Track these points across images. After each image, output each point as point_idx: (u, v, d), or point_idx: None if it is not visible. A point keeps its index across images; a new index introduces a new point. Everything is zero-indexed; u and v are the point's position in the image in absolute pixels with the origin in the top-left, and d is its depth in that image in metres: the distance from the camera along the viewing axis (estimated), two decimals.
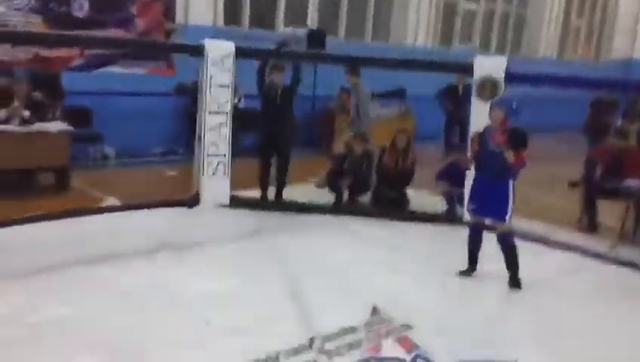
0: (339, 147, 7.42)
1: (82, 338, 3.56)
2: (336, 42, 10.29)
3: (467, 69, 6.39)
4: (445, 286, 4.72)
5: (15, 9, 7.15)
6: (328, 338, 3.70)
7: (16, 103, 6.43)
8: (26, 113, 6.44)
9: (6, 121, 6.27)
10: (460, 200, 6.16)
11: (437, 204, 6.59)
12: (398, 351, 3.64)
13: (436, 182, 6.58)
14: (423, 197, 6.89)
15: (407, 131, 7.33)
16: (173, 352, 3.50)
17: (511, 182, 4.58)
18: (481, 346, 3.75)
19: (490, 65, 6.18)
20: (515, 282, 4.69)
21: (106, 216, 5.60)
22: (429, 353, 3.55)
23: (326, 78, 9.08)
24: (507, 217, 4.59)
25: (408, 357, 3.59)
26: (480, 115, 5.52)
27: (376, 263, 5.07)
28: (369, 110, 7.28)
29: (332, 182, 6.87)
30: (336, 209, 6.63)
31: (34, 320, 3.72)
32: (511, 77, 6.09)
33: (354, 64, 7.06)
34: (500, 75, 6.04)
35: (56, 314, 3.83)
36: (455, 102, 9.27)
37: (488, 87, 6.08)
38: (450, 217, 6.39)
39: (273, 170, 6.73)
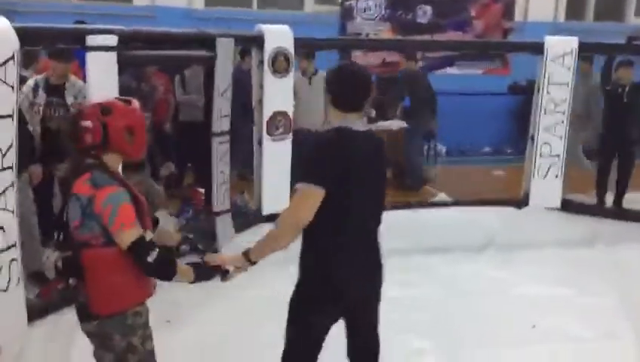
0: None
1: (406, 319, 3.83)
2: None
3: None
4: None
5: (368, 19, 8.03)
6: None
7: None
8: (373, 112, 7.21)
9: None
10: None
11: None
12: None
13: None
14: None
15: None
16: (493, 349, 3.56)
17: None
18: None
19: None
20: None
21: (438, 210, 5.91)
22: None
23: None
24: None
25: None
26: None
27: None
28: None
29: None
30: None
31: None
32: None
33: None
34: None
35: (391, 295, 4.22)
36: None
37: None
38: None
39: (612, 174, 6.21)
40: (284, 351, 2.61)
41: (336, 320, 2.57)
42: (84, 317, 2.28)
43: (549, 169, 5.98)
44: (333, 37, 7.41)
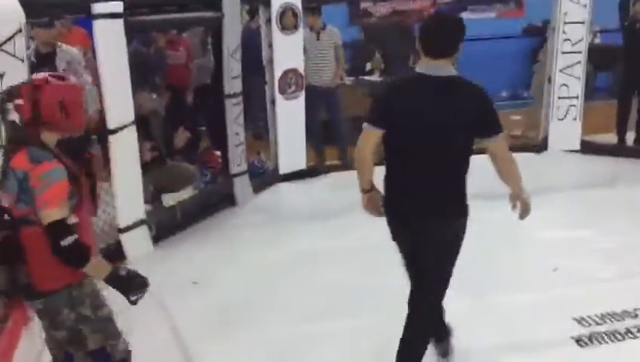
0: None
1: None
2: None
3: None
4: None
5: None
6: None
7: (377, 57, 7.16)
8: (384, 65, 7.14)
9: (369, 73, 7.06)
10: None
11: None
12: None
13: None
14: None
15: None
16: (517, 294, 3.57)
17: None
18: None
19: None
20: None
21: None
22: None
23: None
24: None
25: None
26: None
27: None
28: None
29: None
30: None
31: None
32: None
33: None
34: None
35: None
36: None
37: None
38: None
39: (634, 113, 6.10)
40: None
41: (409, 249, 2.71)
42: (30, 296, 2.27)
43: (567, 111, 5.89)
44: None
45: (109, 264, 2.26)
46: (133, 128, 4.07)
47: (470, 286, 3.65)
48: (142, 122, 4.58)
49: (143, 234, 4.21)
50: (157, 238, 4.33)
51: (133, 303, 2.29)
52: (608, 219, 4.54)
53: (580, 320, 3.28)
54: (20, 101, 2.19)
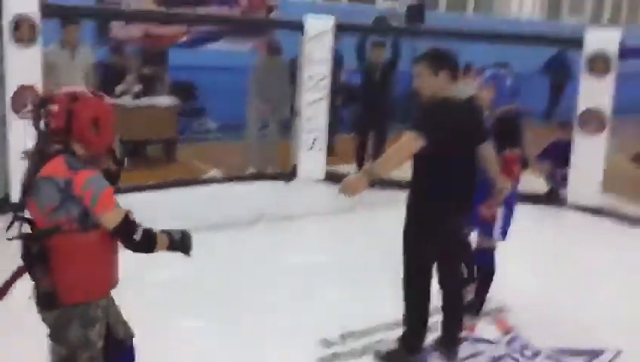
0: None
1: (184, 299, 3.81)
2: (437, 15, 10.03)
3: (577, 43, 6.04)
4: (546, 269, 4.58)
5: None
6: None
7: (129, 78, 6.84)
8: (138, 88, 6.83)
9: (121, 95, 6.69)
10: (565, 181, 5.93)
11: (540, 184, 6.32)
12: (494, 333, 3.61)
13: (539, 162, 6.25)
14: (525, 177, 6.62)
15: None
16: (263, 316, 3.66)
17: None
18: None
19: (602, 39, 5.83)
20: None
21: (210, 186, 5.86)
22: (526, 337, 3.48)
23: None
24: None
25: (504, 340, 3.56)
26: (589, 92, 5.30)
27: None
28: None
29: None
30: None
31: (142, 282, 4.00)
32: (626, 51, 5.74)
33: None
34: (613, 49, 5.71)
35: (163, 276, 4.09)
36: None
37: (600, 63, 5.75)
38: (553, 198, 6.12)
39: (370, 146, 6.76)
40: (403, 276, 3.28)
41: (437, 249, 3.22)
42: (46, 306, 2.24)
43: (314, 142, 6.29)
44: (89, 5, 6.81)
45: (163, 234, 2.33)
46: None
47: (223, 311, 3.63)
48: None
49: None
50: None
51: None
52: (349, 242, 4.92)
53: (324, 342, 3.45)
54: (54, 107, 2.17)
